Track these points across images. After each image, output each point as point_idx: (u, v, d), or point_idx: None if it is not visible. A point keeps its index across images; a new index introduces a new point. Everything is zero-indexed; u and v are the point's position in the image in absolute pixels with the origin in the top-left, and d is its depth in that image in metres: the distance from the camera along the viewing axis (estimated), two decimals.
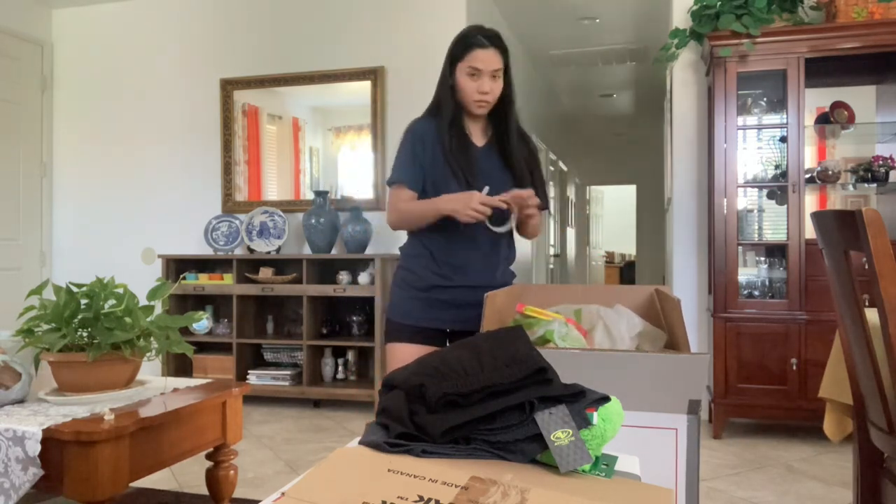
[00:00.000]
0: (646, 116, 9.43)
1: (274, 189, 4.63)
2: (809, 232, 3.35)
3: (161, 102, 4.85)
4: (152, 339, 1.95)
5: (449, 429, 0.83)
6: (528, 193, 1.80)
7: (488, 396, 0.84)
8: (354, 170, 4.49)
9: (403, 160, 1.94)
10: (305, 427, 3.74)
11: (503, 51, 1.89)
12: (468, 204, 1.76)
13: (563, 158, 9.06)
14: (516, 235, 2.03)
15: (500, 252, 2.00)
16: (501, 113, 1.96)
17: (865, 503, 1.74)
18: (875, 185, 3.60)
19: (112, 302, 1.90)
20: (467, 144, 1.93)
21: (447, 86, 1.92)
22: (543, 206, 1.90)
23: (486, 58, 1.85)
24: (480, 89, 1.87)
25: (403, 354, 1.90)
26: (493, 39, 1.87)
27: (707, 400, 3.69)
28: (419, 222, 1.90)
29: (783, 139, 3.57)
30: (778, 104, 3.68)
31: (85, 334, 1.90)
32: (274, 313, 4.53)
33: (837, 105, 3.61)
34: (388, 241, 4.38)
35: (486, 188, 1.81)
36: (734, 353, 3.42)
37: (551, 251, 8.19)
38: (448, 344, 1.97)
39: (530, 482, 0.75)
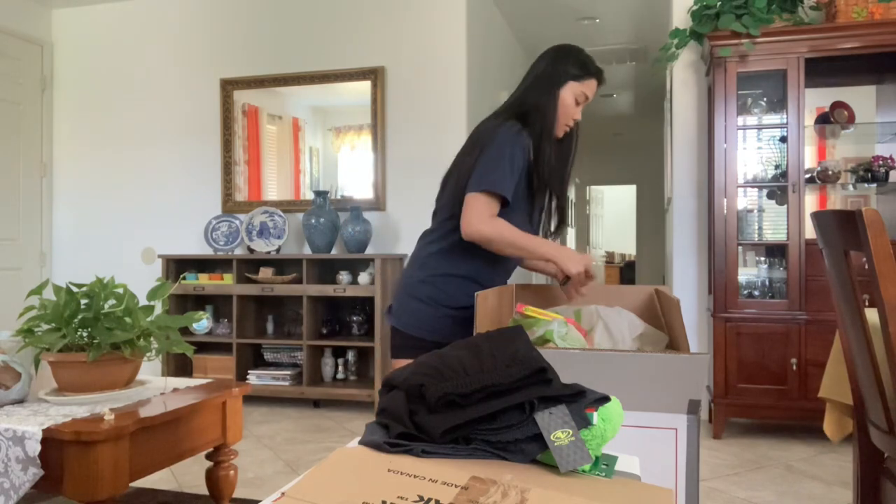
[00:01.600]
0: (646, 116, 9.43)
1: (274, 189, 4.63)
2: (809, 232, 3.35)
3: (161, 102, 4.85)
4: (152, 339, 1.95)
5: (449, 429, 0.83)
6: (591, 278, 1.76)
7: (488, 396, 0.84)
8: (354, 170, 4.49)
9: (508, 169, 1.70)
10: (305, 427, 3.74)
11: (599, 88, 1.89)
12: (581, 262, 1.71)
13: None
14: None
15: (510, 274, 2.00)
16: (567, 142, 1.91)
17: (865, 503, 1.74)
18: (875, 185, 3.60)
19: (112, 302, 1.91)
20: (554, 164, 1.84)
21: (554, 96, 1.80)
22: (566, 221, 1.96)
23: (595, 90, 1.84)
24: (576, 116, 1.83)
25: None
26: (602, 75, 1.87)
27: (707, 400, 3.69)
28: (514, 253, 1.75)
29: (783, 139, 3.57)
30: (778, 104, 3.68)
31: (85, 334, 1.90)
32: (274, 313, 4.53)
33: (837, 105, 3.61)
34: (388, 241, 4.38)
35: (596, 259, 1.80)
36: (734, 353, 3.42)
37: None
38: None
39: (530, 482, 0.75)
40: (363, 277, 4.13)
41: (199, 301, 4.59)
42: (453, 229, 1.79)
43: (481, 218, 1.68)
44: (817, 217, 1.64)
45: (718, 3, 3.48)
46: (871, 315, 1.49)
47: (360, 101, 4.43)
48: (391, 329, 1.87)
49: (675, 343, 1.57)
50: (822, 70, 3.51)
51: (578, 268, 1.70)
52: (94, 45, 5.01)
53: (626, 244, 12.70)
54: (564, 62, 1.82)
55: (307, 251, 4.42)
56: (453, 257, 1.81)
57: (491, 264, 1.84)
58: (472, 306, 1.78)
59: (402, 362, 1.83)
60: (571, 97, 1.80)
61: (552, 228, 1.96)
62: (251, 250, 4.42)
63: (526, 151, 1.75)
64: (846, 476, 2.91)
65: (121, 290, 1.93)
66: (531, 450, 0.82)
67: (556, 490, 0.74)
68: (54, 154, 5.08)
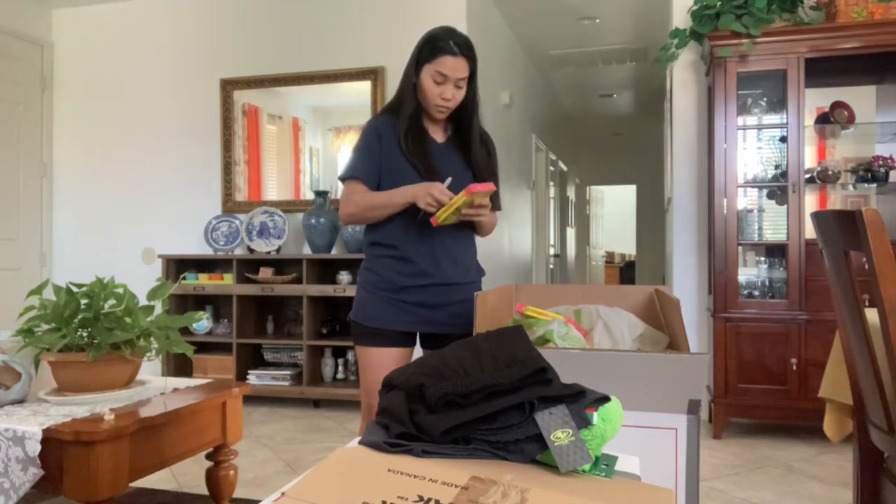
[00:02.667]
0: (646, 116, 9.43)
1: (274, 189, 4.63)
2: (809, 232, 3.35)
3: (161, 102, 4.85)
4: (152, 339, 1.95)
5: (449, 429, 0.83)
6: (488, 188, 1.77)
7: (488, 396, 0.84)
8: None
9: (359, 155, 1.92)
10: (305, 427, 3.74)
11: (472, 60, 1.87)
12: (429, 191, 1.75)
13: (563, 158, 9.06)
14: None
15: (463, 244, 1.97)
16: (463, 118, 1.96)
17: (865, 503, 1.74)
18: (875, 185, 3.60)
19: (112, 302, 1.91)
20: (425, 139, 1.93)
21: (410, 83, 1.90)
22: (497, 206, 1.96)
23: (454, 65, 1.83)
24: (443, 95, 1.86)
25: (377, 359, 1.89)
26: (463, 48, 1.85)
27: (707, 400, 3.69)
28: (377, 212, 1.88)
29: (783, 139, 3.57)
30: (778, 104, 3.68)
31: (85, 334, 1.90)
32: (274, 313, 4.53)
33: (837, 105, 3.61)
34: None
35: (449, 179, 1.81)
36: (734, 353, 3.42)
37: (551, 251, 8.19)
38: (419, 346, 1.97)
39: (530, 482, 0.75)
40: None
41: (199, 301, 4.59)
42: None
43: (344, 202, 1.92)
44: (817, 217, 1.64)
45: (718, 3, 3.48)
46: (871, 315, 1.49)
47: (360, 101, 4.43)
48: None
49: (675, 343, 1.57)
50: (822, 70, 3.51)
51: (426, 200, 1.75)
52: (94, 45, 5.01)
53: (626, 244, 12.70)
54: (418, 49, 1.89)
55: (307, 251, 4.42)
56: (374, 237, 1.95)
57: (407, 234, 1.90)
58: (408, 287, 1.89)
59: (363, 350, 1.93)
60: (429, 79, 1.85)
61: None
62: (251, 250, 4.42)
63: (373, 131, 1.91)
64: (846, 476, 2.91)
65: (121, 290, 1.93)
66: (531, 450, 0.82)
67: (556, 490, 0.74)
68: (54, 154, 5.08)
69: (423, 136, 1.92)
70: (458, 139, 1.99)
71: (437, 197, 1.74)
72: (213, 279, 4.36)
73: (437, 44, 1.85)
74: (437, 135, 1.97)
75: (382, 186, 1.92)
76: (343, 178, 1.94)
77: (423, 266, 1.89)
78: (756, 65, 3.45)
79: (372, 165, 1.90)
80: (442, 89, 1.85)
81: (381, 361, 1.88)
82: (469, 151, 1.96)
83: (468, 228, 1.98)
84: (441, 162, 1.90)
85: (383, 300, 1.90)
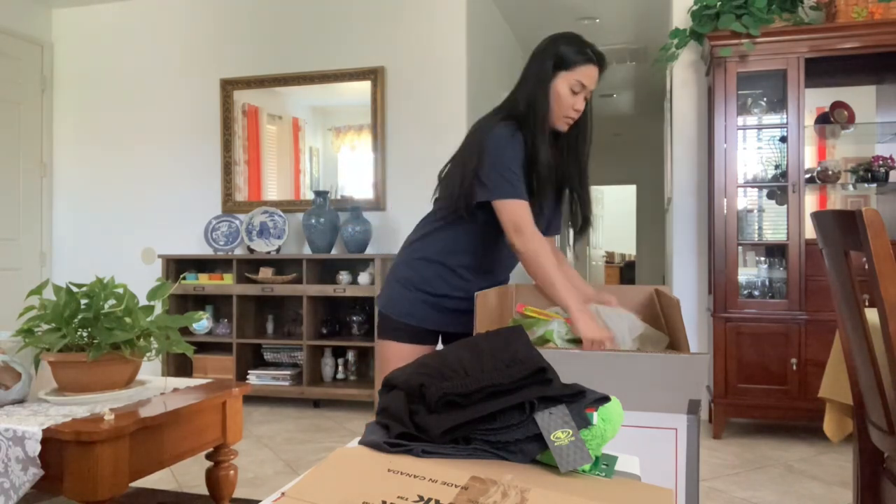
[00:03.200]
0: (646, 116, 9.43)
1: (274, 189, 4.63)
2: (809, 232, 3.35)
3: (161, 102, 4.85)
4: (152, 339, 1.95)
5: (449, 429, 0.83)
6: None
7: (488, 396, 0.84)
8: (354, 170, 4.49)
9: (516, 171, 1.70)
10: (305, 427, 3.74)
11: (602, 70, 1.78)
12: (596, 337, 1.56)
13: None
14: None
15: (508, 253, 1.90)
16: (574, 133, 1.84)
17: (865, 503, 1.74)
18: (875, 185, 3.59)
19: (112, 302, 1.91)
20: (551, 162, 1.78)
21: (546, 89, 1.75)
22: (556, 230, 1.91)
23: (593, 75, 1.75)
24: (576, 107, 1.76)
25: (401, 354, 1.85)
26: (600, 57, 1.76)
27: (707, 400, 3.69)
28: (538, 282, 1.70)
29: (783, 139, 3.57)
30: (778, 104, 3.68)
31: (85, 334, 1.90)
32: (274, 313, 4.53)
33: (837, 105, 3.61)
34: (388, 241, 4.38)
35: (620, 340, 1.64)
36: (734, 352, 3.42)
37: None
38: (440, 343, 1.94)
39: (530, 482, 0.75)
40: (363, 277, 4.13)
41: (199, 301, 4.59)
42: (442, 218, 1.83)
43: (530, 230, 1.68)
44: (817, 217, 1.64)
45: (718, 3, 3.48)
46: (871, 315, 1.49)
47: (360, 101, 4.43)
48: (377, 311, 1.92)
49: (675, 343, 1.57)
50: (822, 70, 3.51)
51: (592, 340, 1.56)
52: (94, 45, 5.01)
53: (626, 244, 12.69)
54: (554, 52, 1.76)
55: (307, 251, 4.42)
56: (436, 244, 1.83)
57: (477, 264, 1.83)
58: (449, 295, 1.83)
59: (386, 343, 1.87)
60: (566, 87, 1.74)
61: (577, 230, 1.90)
62: (251, 250, 4.42)
63: (521, 144, 1.73)
64: (846, 476, 2.91)
65: (121, 290, 1.93)
66: (531, 450, 0.82)
67: (556, 490, 0.74)
68: (54, 154, 5.08)
69: (552, 169, 1.80)
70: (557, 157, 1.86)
71: (603, 345, 1.55)
72: (213, 279, 4.36)
73: (583, 50, 1.75)
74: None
75: None
76: (506, 197, 1.69)
77: (474, 285, 1.83)
78: (756, 65, 3.45)
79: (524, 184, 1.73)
80: (576, 100, 1.75)
81: (402, 357, 1.83)
82: (582, 175, 1.86)
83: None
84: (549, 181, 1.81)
85: (420, 300, 1.84)
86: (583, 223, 1.90)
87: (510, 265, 1.93)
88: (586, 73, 1.74)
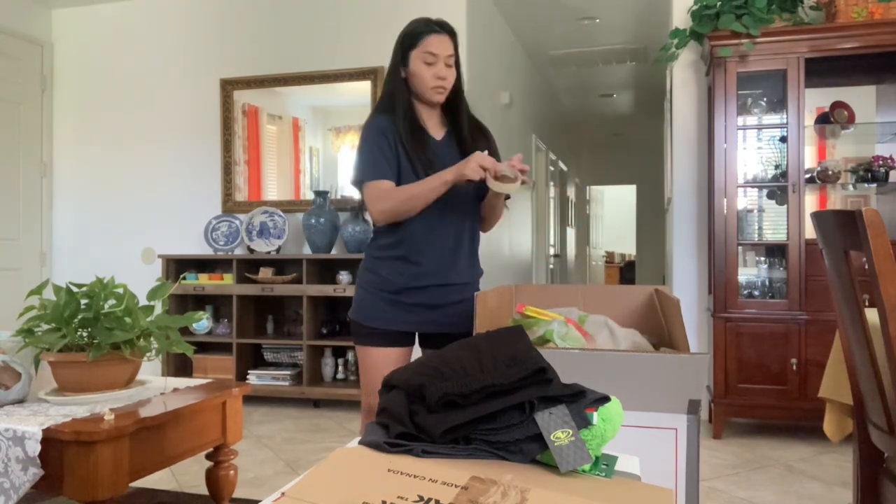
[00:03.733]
0: (646, 116, 9.43)
1: (274, 189, 4.63)
2: (809, 232, 3.35)
3: (161, 102, 4.85)
4: (152, 339, 1.95)
5: (449, 429, 0.83)
6: (519, 158, 1.75)
7: (488, 396, 0.84)
8: None
9: (373, 156, 1.86)
10: (305, 427, 3.74)
11: (453, 36, 1.89)
12: (479, 162, 1.70)
13: (563, 158, 9.06)
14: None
15: (464, 245, 1.95)
16: (454, 103, 1.96)
17: (865, 503, 1.74)
18: (875, 185, 3.60)
19: (112, 302, 1.91)
20: (425, 137, 1.90)
21: (399, 78, 1.89)
22: (506, 196, 1.94)
23: (440, 42, 1.85)
24: (438, 74, 1.86)
25: (376, 358, 1.89)
26: (443, 25, 1.88)
27: (707, 400, 3.69)
28: (416, 202, 1.80)
29: (783, 139, 3.57)
30: (778, 104, 3.68)
31: (85, 334, 1.90)
32: (274, 313, 4.53)
33: (837, 105, 3.61)
34: None
35: (486, 151, 1.78)
36: (734, 353, 3.42)
37: (551, 251, 8.19)
38: (418, 345, 1.97)
39: (530, 482, 0.75)
40: None
41: (199, 301, 4.59)
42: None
43: (376, 200, 1.84)
44: (817, 217, 1.64)
45: (718, 3, 3.48)
46: (871, 315, 1.49)
47: (360, 101, 4.43)
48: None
49: (675, 343, 1.57)
50: (822, 70, 3.51)
51: (478, 172, 1.70)
52: (94, 45, 5.01)
53: (626, 244, 12.70)
54: (401, 41, 1.89)
55: (307, 251, 4.42)
56: (384, 239, 1.92)
57: (418, 237, 1.88)
58: (407, 287, 1.88)
59: (362, 349, 1.93)
60: (419, 63, 1.85)
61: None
62: (251, 250, 4.42)
63: (379, 131, 1.86)
64: (846, 476, 2.91)
65: (121, 290, 1.93)
66: (531, 450, 0.82)
67: (556, 490, 0.74)
68: (54, 154, 5.08)
69: (423, 133, 1.91)
70: (455, 132, 1.97)
71: (483, 164, 1.70)
72: (213, 279, 4.36)
73: (419, 27, 1.87)
74: (436, 132, 1.96)
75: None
76: (362, 181, 1.86)
77: (425, 268, 1.88)
78: (756, 65, 3.45)
79: (390, 164, 1.86)
80: (435, 69, 1.85)
81: (380, 361, 1.88)
82: (465, 142, 1.94)
83: (473, 223, 1.97)
84: (441, 159, 1.89)
85: (383, 300, 1.90)
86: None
87: (458, 231, 1.93)
88: (433, 42, 1.85)
